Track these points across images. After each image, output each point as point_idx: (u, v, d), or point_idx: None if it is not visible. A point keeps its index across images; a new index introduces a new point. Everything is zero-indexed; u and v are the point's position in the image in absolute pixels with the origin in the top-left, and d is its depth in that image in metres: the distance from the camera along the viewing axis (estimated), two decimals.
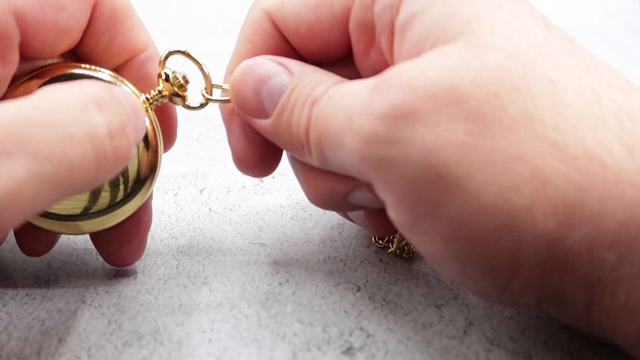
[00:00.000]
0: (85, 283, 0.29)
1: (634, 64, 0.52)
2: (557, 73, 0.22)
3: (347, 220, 0.34)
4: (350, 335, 0.27)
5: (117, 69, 0.29)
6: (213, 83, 0.29)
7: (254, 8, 0.28)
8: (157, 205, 0.36)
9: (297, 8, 0.27)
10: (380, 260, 0.31)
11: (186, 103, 0.29)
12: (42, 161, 0.21)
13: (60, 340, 0.26)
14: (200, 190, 0.38)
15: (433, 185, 0.21)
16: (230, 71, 0.29)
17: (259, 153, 0.29)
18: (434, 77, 0.21)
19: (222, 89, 0.29)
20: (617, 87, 0.22)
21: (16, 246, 0.32)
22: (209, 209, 0.36)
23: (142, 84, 0.29)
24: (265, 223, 0.34)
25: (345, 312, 0.28)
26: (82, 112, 0.22)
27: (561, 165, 0.20)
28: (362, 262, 0.31)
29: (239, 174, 0.40)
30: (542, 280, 0.21)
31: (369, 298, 0.29)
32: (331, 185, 0.27)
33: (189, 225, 0.34)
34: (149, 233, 0.33)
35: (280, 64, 0.27)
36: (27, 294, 0.29)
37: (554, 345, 0.26)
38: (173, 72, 0.28)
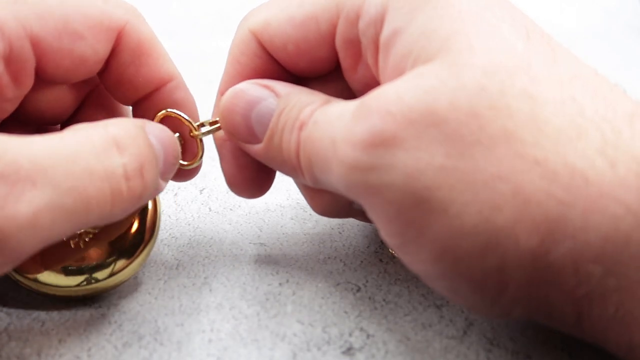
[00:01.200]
0: None
1: (634, 64, 0.52)
2: (536, 86, 0.21)
3: (347, 221, 0.34)
4: (350, 335, 0.27)
5: (145, 98, 0.29)
6: (200, 122, 0.30)
7: (240, 28, 0.28)
8: None
9: (284, 27, 0.27)
10: (380, 260, 0.31)
11: (181, 162, 0.29)
12: (63, 193, 0.22)
13: (60, 341, 0.26)
14: (200, 190, 0.38)
15: (416, 209, 0.21)
16: (221, 92, 0.29)
17: (250, 176, 0.29)
18: (411, 101, 0.21)
19: (209, 123, 0.29)
20: (602, 95, 0.22)
21: None
22: (209, 208, 0.36)
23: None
24: (265, 223, 0.34)
25: (345, 312, 0.28)
26: (103, 151, 0.23)
27: (542, 181, 0.20)
28: (362, 262, 0.31)
29: None
30: (530, 294, 0.21)
31: (369, 298, 0.29)
32: (333, 196, 0.27)
33: (189, 225, 0.34)
34: None
35: (266, 87, 0.27)
36: (27, 295, 0.29)
37: (554, 345, 0.26)
38: (175, 112, 0.29)
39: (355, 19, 0.25)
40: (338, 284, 0.30)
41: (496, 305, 0.22)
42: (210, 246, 0.32)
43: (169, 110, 0.29)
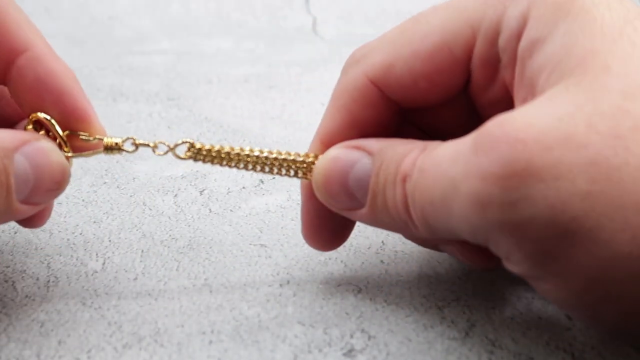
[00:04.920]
0: (84, 285, 0.29)
1: None
2: None
3: None
4: (352, 337, 0.26)
5: (8, 79, 0.27)
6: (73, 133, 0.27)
7: (353, 73, 0.27)
8: (157, 207, 0.36)
9: (411, 64, 0.25)
10: (382, 261, 0.31)
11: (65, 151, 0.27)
12: None
13: (59, 342, 0.26)
14: (201, 191, 0.38)
15: (561, 242, 0.20)
16: (321, 138, 0.27)
17: (329, 234, 0.29)
18: (543, 126, 0.20)
19: (81, 136, 0.27)
20: None
21: (15, 248, 0.32)
22: (209, 210, 0.36)
23: (35, 90, 0.26)
24: (266, 224, 0.34)
25: (347, 313, 0.28)
26: None
27: None
28: (363, 263, 0.31)
29: (239, 174, 0.40)
30: None
31: (370, 299, 0.28)
32: (422, 239, 0.28)
33: (189, 226, 0.34)
34: (149, 233, 0.33)
35: (357, 148, 0.26)
36: (26, 296, 0.29)
37: (556, 346, 0.26)
38: (45, 118, 0.27)
39: (494, 37, 0.24)
40: (339, 285, 0.29)
41: None
42: (210, 247, 0.32)
43: (38, 114, 0.26)
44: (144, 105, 0.52)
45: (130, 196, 0.37)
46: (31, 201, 0.25)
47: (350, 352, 0.26)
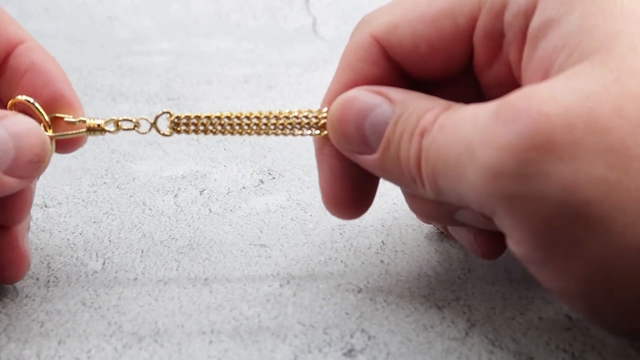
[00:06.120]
0: (84, 285, 0.29)
1: None
2: None
3: (347, 221, 0.34)
4: (352, 337, 0.26)
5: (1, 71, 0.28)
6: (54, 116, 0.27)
7: (359, 33, 0.27)
8: (157, 207, 0.36)
9: (414, 26, 0.25)
10: (382, 261, 0.31)
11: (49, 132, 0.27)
12: None
13: (59, 342, 0.26)
14: (201, 191, 0.38)
15: (571, 225, 0.19)
16: (328, 101, 0.27)
17: (349, 196, 0.28)
18: (568, 103, 0.19)
19: (65, 121, 0.27)
20: None
21: None
22: (209, 210, 0.36)
23: (30, 73, 0.27)
24: (266, 224, 0.34)
25: (347, 313, 0.28)
26: None
27: None
28: (363, 263, 0.31)
29: (239, 174, 0.40)
30: None
31: (370, 299, 0.28)
32: (438, 204, 0.26)
33: (189, 226, 0.34)
34: (149, 233, 0.33)
35: (379, 93, 0.25)
36: (26, 296, 0.29)
37: (556, 346, 0.26)
38: (27, 100, 0.27)
39: (500, 11, 0.24)
40: (339, 285, 0.29)
41: None
42: (210, 247, 0.32)
43: (19, 97, 0.27)
44: (144, 105, 0.52)
45: (130, 196, 0.37)
46: (15, 173, 0.25)
47: (350, 352, 0.26)
